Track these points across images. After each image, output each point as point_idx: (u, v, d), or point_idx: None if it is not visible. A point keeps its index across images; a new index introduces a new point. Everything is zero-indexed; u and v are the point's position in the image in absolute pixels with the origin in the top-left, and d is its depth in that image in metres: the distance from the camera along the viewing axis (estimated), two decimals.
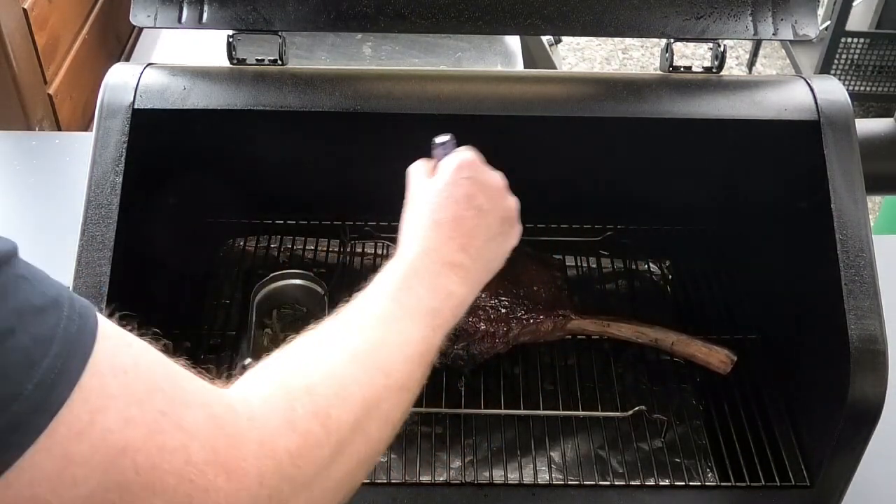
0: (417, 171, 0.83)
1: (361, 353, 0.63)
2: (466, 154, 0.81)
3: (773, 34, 1.02)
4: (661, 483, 1.04)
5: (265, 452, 0.53)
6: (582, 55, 3.81)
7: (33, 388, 0.43)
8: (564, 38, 3.21)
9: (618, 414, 1.11)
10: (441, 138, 0.83)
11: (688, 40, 1.03)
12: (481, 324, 1.10)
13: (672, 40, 1.04)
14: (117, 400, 0.47)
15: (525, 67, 2.08)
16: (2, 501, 0.43)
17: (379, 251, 1.31)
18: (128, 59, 2.28)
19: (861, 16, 3.36)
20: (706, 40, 1.04)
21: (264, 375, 0.60)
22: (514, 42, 2.04)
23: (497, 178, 0.82)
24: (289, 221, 1.30)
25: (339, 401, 0.59)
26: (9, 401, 0.43)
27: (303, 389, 0.58)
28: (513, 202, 0.83)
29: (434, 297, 0.71)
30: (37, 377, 0.44)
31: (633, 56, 3.80)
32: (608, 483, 1.04)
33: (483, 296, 1.12)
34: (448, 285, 0.72)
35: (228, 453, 0.51)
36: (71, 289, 0.89)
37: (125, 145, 0.94)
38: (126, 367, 0.49)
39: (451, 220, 0.76)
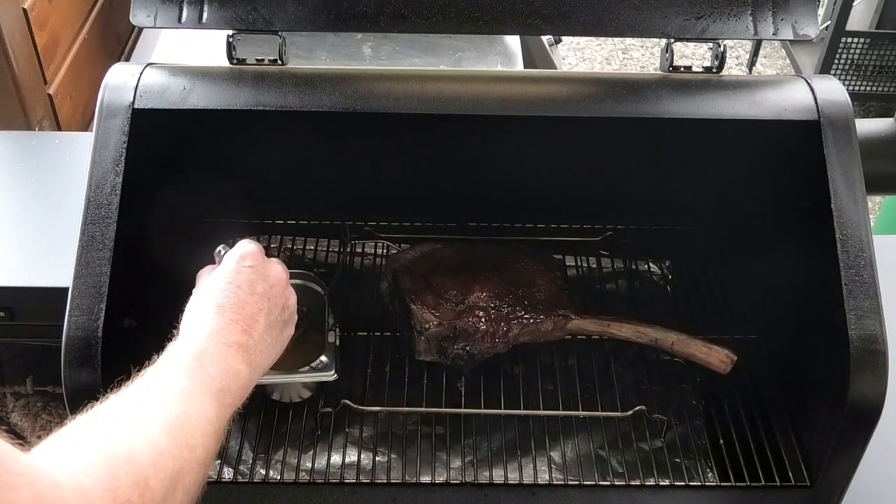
0: (204, 272, 0.87)
1: (172, 426, 0.65)
2: (248, 245, 0.85)
3: (774, 34, 1.02)
4: (661, 483, 1.04)
5: None
6: (582, 55, 3.81)
7: None
8: (564, 38, 3.21)
9: (618, 414, 1.11)
10: (220, 249, 0.88)
11: (688, 40, 1.03)
12: (481, 324, 1.10)
13: (672, 40, 1.04)
14: None
15: (525, 67, 2.08)
16: None
17: (379, 251, 1.31)
18: (128, 59, 2.28)
19: (861, 16, 3.36)
20: (706, 40, 1.04)
21: (83, 442, 0.61)
22: (514, 42, 2.04)
23: (279, 270, 0.86)
24: (289, 221, 1.30)
25: (156, 471, 0.61)
26: None
27: (124, 457, 0.60)
28: (292, 296, 0.87)
29: (223, 377, 0.73)
30: None
31: (633, 56, 3.80)
32: (608, 483, 1.04)
33: (483, 296, 1.12)
34: (235, 364, 0.75)
35: None
36: (71, 289, 0.91)
37: (125, 145, 0.94)
38: None
39: (233, 305, 0.79)
